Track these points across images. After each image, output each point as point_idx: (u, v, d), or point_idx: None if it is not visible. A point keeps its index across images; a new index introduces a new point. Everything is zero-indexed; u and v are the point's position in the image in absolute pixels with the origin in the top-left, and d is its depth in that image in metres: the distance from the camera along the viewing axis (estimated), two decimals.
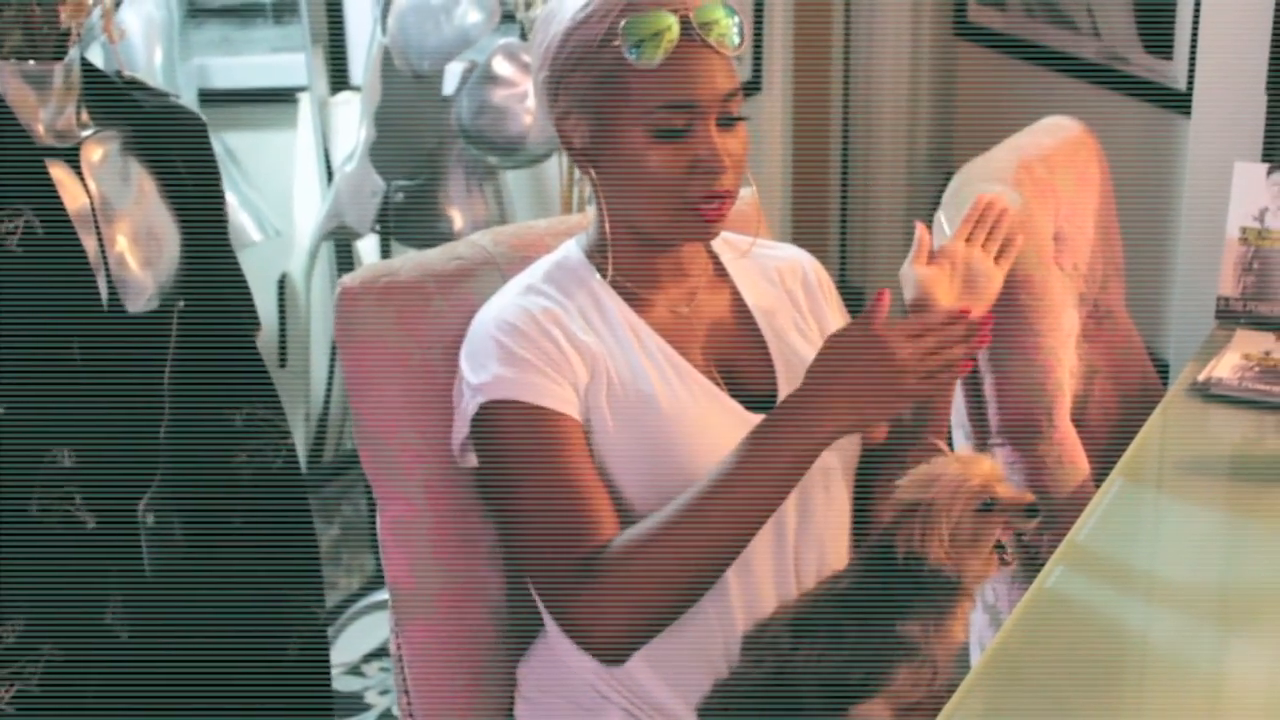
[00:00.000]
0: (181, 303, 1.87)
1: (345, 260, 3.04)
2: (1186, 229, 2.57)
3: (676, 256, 1.68)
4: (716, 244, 1.75)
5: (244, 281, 2.02)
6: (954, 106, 3.75)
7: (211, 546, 1.93)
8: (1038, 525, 1.49)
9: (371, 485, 1.73)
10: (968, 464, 1.50)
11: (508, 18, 2.56)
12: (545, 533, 1.53)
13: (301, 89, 3.02)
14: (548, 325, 1.59)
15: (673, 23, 1.53)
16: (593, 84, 1.56)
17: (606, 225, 1.62)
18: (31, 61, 1.72)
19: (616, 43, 1.53)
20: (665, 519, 1.49)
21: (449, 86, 2.65)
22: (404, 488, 1.71)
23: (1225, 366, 2.09)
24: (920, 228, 1.76)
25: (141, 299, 1.82)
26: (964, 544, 1.48)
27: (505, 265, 1.76)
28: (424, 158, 2.71)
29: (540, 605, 1.59)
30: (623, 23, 1.53)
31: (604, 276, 1.65)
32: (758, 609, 1.62)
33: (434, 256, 1.77)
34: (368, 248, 3.04)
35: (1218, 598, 1.63)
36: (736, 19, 1.57)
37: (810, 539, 1.65)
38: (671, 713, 1.63)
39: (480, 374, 1.58)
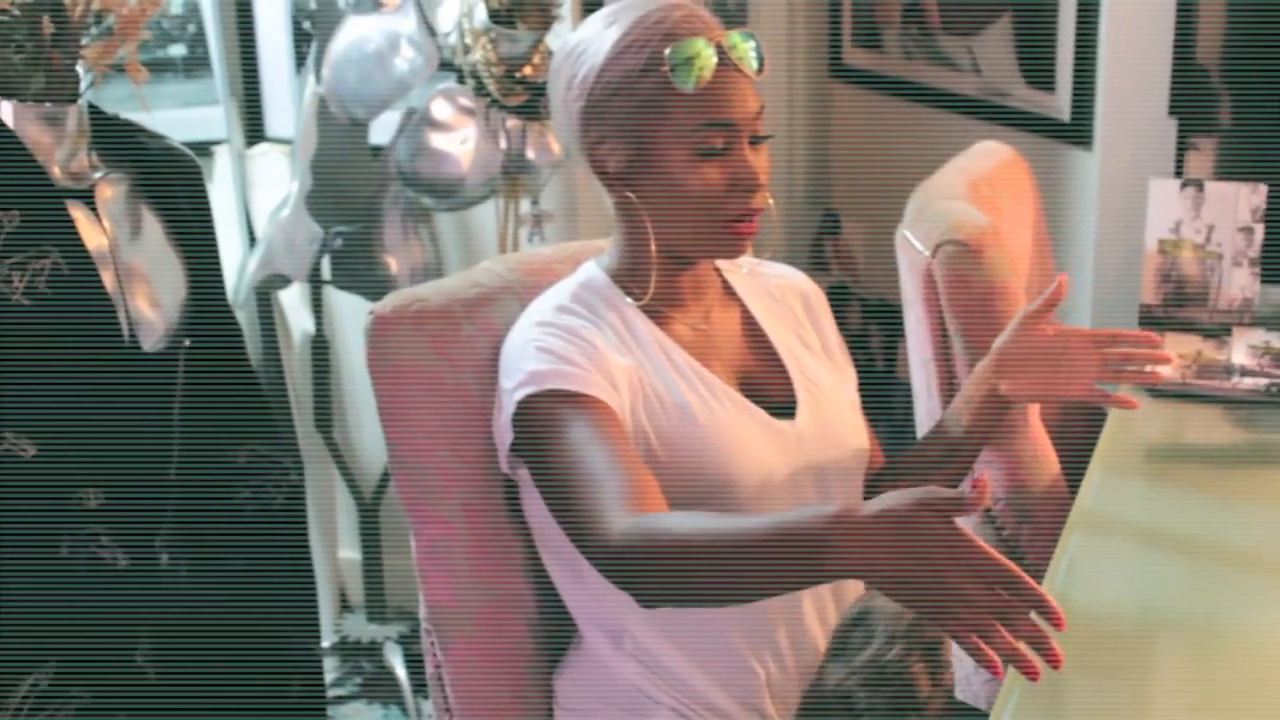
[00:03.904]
0: (187, 341, 1.89)
1: (266, 311, 3.04)
2: (1099, 246, 2.73)
3: (695, 275, 1.76)
4: (722, 263, 1.83)
5: (238, 322, 2.04)
6: (830, 146, 3.90)
7: (217, 584, 1.94)
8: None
9: (407, 510, 1.77)
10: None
11: (445, 64, 2.62)
12: (589, 496, 1.51)
13: (218, 142, 3.02)
14: (587, 335, 1.66)
15: (708, 48, 1.62)
16: (633, 110, 1.64)
17: (652, 245, 1.69)
18: (49, 104, 1.74)
19: (662, 68, 1.62)
20: (691, 534, 1.41)
21: (386, 132, 2.69)
22: (442, 509, 1.75)
23: (1164, 367, 2.24)
24: (1062, 278, 1.79)
25: (154, 338, 1.84)
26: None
27: (521, 291, 1.81)
28: (361, 204, 2.74)
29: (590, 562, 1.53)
30: (667, 50, 1.62)
31: (633, 298, 1.72)
32: (794, 609, 1.70)
33: (454, 284, 1.81)
34: (290, 298, 3.05)
35: (1213, 574, 1.76)
36: (754, 44, 1.67)
37: None
38: (721, 709, 1.70)
39: (516, 376, 1.64)
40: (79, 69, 1.78)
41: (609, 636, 1.73)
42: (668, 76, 1.62)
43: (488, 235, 2.84)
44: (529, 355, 1.65)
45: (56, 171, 1.76)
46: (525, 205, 2.72)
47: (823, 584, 1.36)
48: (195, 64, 3.03)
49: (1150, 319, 2.44)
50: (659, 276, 1.72)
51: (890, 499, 1.29)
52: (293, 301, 3.05)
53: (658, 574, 1.44)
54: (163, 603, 1.84)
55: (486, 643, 1.77)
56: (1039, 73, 3.15)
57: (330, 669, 3.07)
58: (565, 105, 1.70)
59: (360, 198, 2.74)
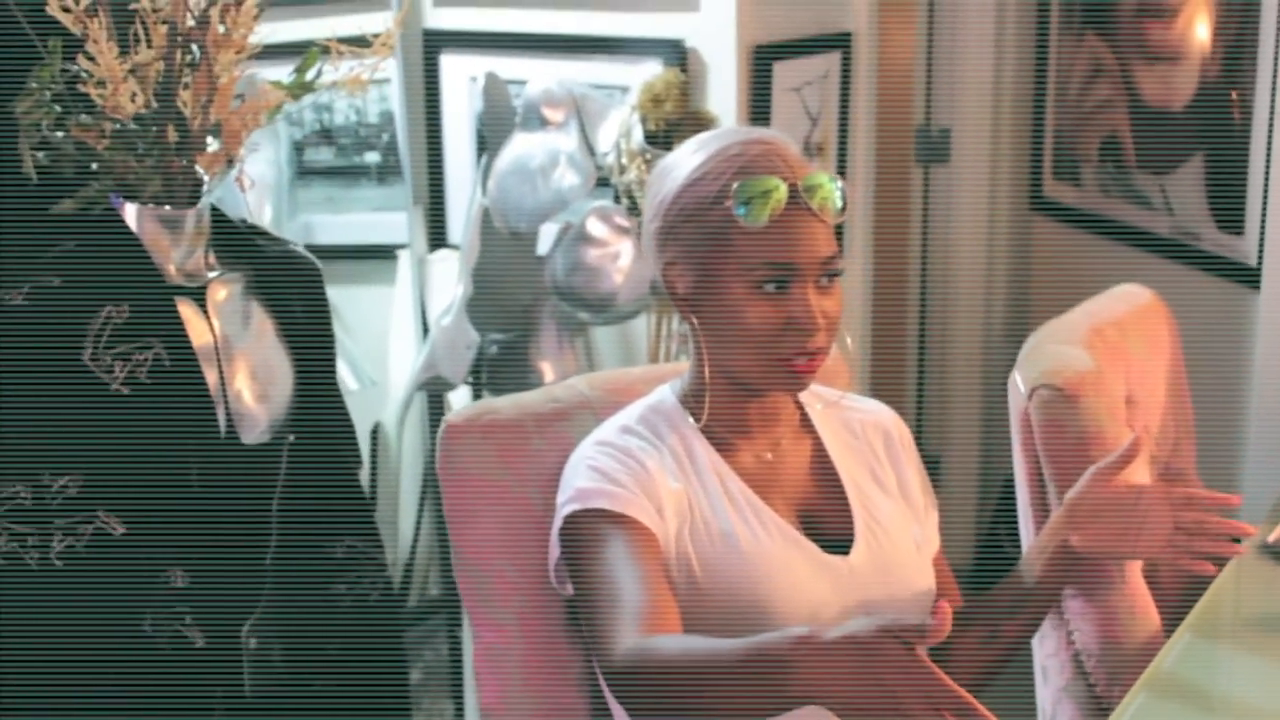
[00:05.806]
0: (291, 437, 1.97)
1: (437, 411, 3.15)
2: (1258, 397, 2.63)
3: (765, 405, 1.77)
4: (803, 394, 1.84)
5: (349, 420, 2.12)
6: (1029, 278, 3.84)
7: (308, 672, 2.01)
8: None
9: (468, 613, 1.82)
10: None
11: (602, 182, 2.69)
12: (607, 613, 1.55)
13: (401, 246, 3.16)
14: (641, 457, 1.68)
15: (780, 186, 1.64)
16: (701, 238, 1.67)
17: (706, 370, 1.72)
18: (168, 207, 1.85)
19: (727, 202, 1.64)
20: (675, 655, 1.44)
21: (544, 246, 2.78)
22: (498, 616, 1.79)
23: None
24: (1139, 435, 1.77)
25: (255, 431, 1.93)
26: None
27: (599, 408, 1.85)
28: (518, 313, 2.83)
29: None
30: (734, 185, 1.64)
31: (697, 421, 1.74)
32: None
33: (532, 398, 1.87)
34: (459, 400, 3.15)
35: None
36: (839, 185, 1.67)
37: None
38: None
39: (567, 492, 1.68)
40: (199, 173, 1.89)
41: None
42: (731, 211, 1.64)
43: (643, 349, 2.89)
44: (580, 473, 1.69)
45: (171, 270, 1.88)
46: (675, 322, 2.76)
47: (794, 708, 1.36)
48: (388, 171, 3.18)
49: None
50: (726, 403, 1.74)
51: (855, 624, 1.32)
52: (462, 403, 3.15)
53: (650, 695, 1.46)
54: (243, 685, 1.92)
55: None
56: (1229, 215, 3.08)
57: None
58: (647, 223, 1.75)
59: (518, 307, 2.82)
